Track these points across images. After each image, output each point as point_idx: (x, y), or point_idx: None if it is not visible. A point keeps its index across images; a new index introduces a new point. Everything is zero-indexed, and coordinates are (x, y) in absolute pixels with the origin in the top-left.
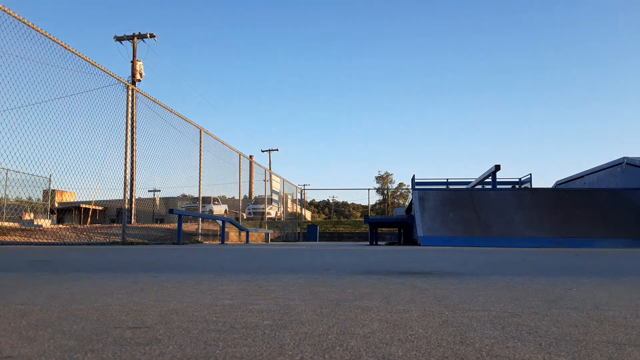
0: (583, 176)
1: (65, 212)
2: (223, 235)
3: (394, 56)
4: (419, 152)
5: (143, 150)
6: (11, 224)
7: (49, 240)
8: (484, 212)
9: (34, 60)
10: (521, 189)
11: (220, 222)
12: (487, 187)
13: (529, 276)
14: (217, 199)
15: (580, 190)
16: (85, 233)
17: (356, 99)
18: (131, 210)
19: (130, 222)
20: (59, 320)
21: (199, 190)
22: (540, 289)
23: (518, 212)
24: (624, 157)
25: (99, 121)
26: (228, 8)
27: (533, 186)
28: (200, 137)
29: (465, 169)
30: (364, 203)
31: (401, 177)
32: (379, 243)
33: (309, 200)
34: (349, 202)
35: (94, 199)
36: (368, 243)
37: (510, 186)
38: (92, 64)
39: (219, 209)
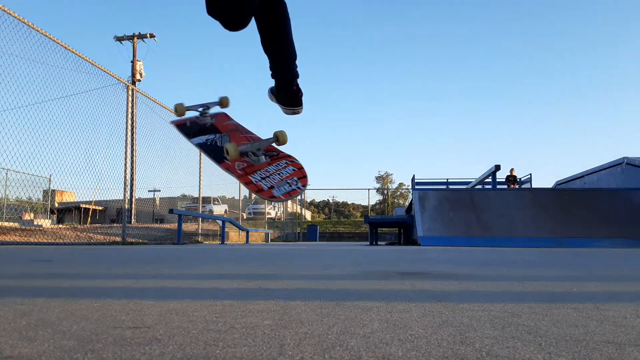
0: (583, 176)
1: (65, 212)
2: (223, 235)
3: (395, 55)
4: (419, 152)
5: (143, 150)
6: (11, 224)
7: (49, 240)
8: (483, 212)
9: (34, 60)
10: (520, 189)
11: (220, 222)
12: (487, 187)
13: (529, 276)
14: (217, 199)
15: (580, 190)
16: (85, 233)
17: (356, 98)
18: (131, 210)
19: (130, 222)
20: (59, 320)
21: (199, 190)
22: (540, 289)
23: (518, 212)
24: (624, 157)
25: (99, 121)
26: None
27: (533, 186)
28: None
29: (465, 169)
30: (364, 203)
31: (401, 177)
32: (379, 243)
33: (309, 200)
34: (349, 202)
35: (94, 199)
36: (368, 243)
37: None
38: (92, 64)
39: (219, 209)
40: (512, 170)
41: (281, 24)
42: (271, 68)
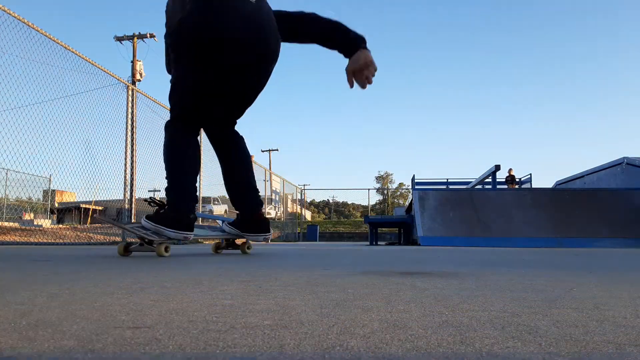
0: (583, 176)
1: (65, 212)
2: None
3: (394, 55)
4: (419, 152)
5: (143, 150)
6: (11, 224)
7: (49, 240)
8: (484, 212)
9: (34, 60)
10: (520, 189)
11: (220, 222)
12: (487, 187)
13: (529, 276)
14: (217, 199)
15: (580, 190)
16: (85, 233)
17: (356, 98)
18: (131, 210)
19: (130, 222)
20: (59, 320)
21: (199, 190)
22: (540, 289)
23: (518, 212)
24: (624, 157)
25: (99, 121)
26: None
27: (533, 186)
28: (200, 137)
29: (465, 169)
30: (364, 203)
31: (401, 177)
32: (379, 243)
33: (309, 200)
34: (349, 202)
35: (94, 199)
36: (368, 243)
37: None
38: (92, 64)
39: (219, 209)
40: (510, 170)
41: (245, 160)
42: (235, 202)
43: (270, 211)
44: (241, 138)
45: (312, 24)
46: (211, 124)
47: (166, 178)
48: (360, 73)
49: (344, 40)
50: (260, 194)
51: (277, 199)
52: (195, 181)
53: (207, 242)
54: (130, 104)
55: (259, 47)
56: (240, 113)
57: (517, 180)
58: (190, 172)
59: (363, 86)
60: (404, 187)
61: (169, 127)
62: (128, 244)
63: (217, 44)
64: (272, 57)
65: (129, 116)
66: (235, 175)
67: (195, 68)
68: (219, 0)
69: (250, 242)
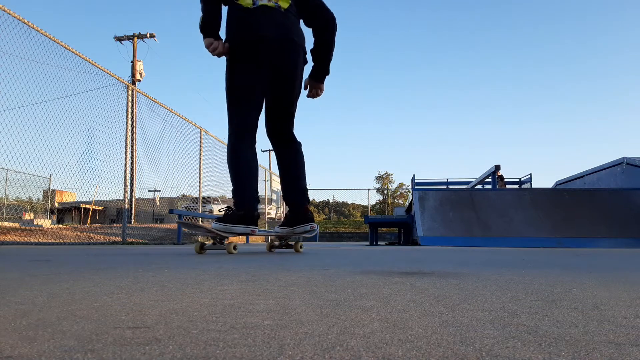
0: (583, 176)
1: (65, 212)
2: None
3: (394, 54)
4: (419, 152)
5: (143, 150)
6: (11, 224)
7: (49, 240)
8: (483, 212)
9: (34, 60)
10: (520, 189)
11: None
12: (487, 187)
13: (529, 276)
14: (217, 199)
15: (580, 190)
16: (85, 233)
17: (356, 98)
18: (131, 210)
19: (130, 222)
20: (59, 320)
21: (199, 190)
22: (540, 289)
23: (518, 212)
24: (624, 157)
25: (99, 121)
26: None
27: (533, 186)
28: (200, 137)
29: (465, 169)
30: (364, 203)
31: (401, 177)
32: (379, 243)
33: None
34: (349, 202)
35: (94, 199)
36: (368, 243)
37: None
38: (92, 64)
39: (219, 209)
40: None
41: (298, 162)
42: (287, 198)
43: (270, 211)
44: (298, 144)
45: (330, 33)
46: (269, 131)
47: (231, 181)
48: (317, 91)
49: (327, 64)
50: (308, 192)
51: (277, 199)
52: (256, 183)
53: (207, 242)
54: (130, 104)
55: (287, 46)
56: (285, 113)
57: (518, 180)
58: (249, 176)
59: (313, 97)
60: (404, 187)
61: (229, 137)
62: (202, 244)
63: (253, 43)
64: (298, 51)
65: (129, 116)
66: (288, 176)
67: (239, 67)
68: (253, 9)
69: (301, 240)
